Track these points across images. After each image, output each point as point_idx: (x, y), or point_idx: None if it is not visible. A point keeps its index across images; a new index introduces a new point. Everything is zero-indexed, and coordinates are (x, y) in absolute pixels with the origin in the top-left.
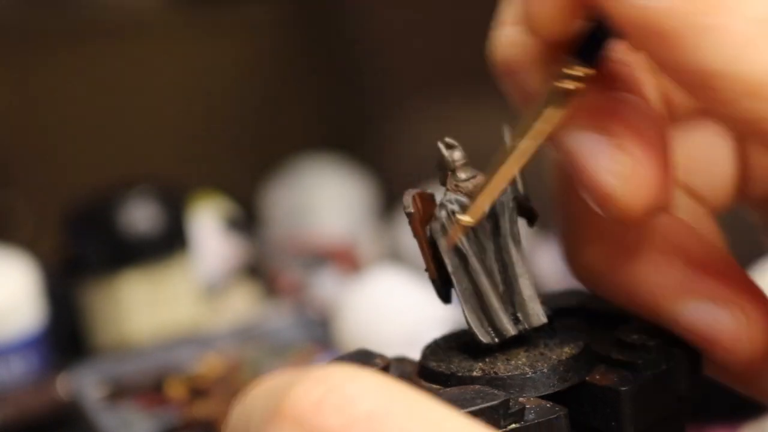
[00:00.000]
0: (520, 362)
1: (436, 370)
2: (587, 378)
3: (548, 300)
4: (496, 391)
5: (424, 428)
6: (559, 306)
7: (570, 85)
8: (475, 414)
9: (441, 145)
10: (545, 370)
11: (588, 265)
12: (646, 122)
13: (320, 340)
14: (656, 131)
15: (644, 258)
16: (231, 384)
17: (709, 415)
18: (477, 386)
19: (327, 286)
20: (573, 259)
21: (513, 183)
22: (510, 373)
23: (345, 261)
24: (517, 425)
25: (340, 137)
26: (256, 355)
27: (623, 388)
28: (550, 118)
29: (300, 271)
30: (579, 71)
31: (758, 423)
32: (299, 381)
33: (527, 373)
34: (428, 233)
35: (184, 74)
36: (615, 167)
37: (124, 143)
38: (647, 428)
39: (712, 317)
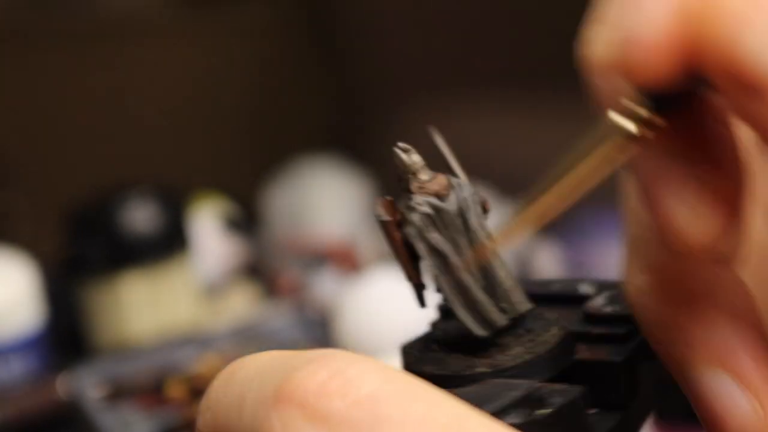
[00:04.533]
0: (516, 351)
1: (438, 374)
2: (576, 356)
3: None
4: (516, 381)
5: (423, 408)
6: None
7: (632, 127)
8: (510, 407)
9: (398, 151)
10: (544, 354)
11: (639, 290)
12: (730, 162)
13: (320, 340)
14: (739, 174)
15: (695, 306)
16: None
17: None
18: (494, 380)
19: (327, 286)
20: (628, 278)
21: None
22: (514, 363)
23: (345, 261)
24: (548, 410)
25: (340, 137)
26: None
27: (618, 359)
28: (602, 158)
29: (300, 271)
30: (647, 114)
31: None
32: (301, 364)
33: (529, 360)
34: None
35: (184, 74)
36: (685, 195)
37: (124, 143)
38: (645, 396)
39: (732, 398)
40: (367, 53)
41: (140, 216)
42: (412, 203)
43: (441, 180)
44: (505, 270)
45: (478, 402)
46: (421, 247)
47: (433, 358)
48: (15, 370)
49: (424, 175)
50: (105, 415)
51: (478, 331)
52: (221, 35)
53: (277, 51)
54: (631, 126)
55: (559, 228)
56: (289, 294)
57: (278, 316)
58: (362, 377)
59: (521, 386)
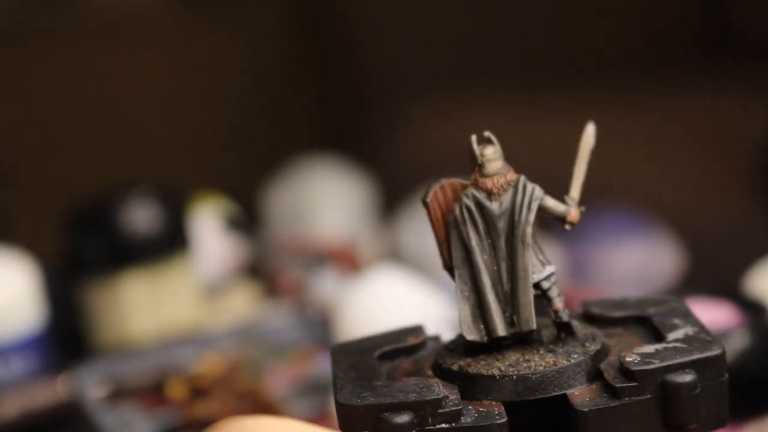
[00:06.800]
0: (505, 363)
1: (447, 368)
2: (567, 391)
3: (611, 304)
4: (439, 389)
5: None
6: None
7: None
8: (401, 407)
9: (474, 139)
10: (512, 377)
11: None
12: None
13: (320, 340)
14: None
15: None
16: (231, 384)
17: None
18: (425, 380)
19: (327, 286)
20: None
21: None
22: (487, 373)
23: (345, 261)
24: (447, 426)
25: (340, 137)
26: (256, 355)
27: (586, 410)
28: None
29: (300, 271)
30: None
31: (759, 423)
32: None
33: (490, 377)
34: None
35: (184, 75)
36: None
37: (125, 143)
38: None
39: None
40: (368, 54)
41: (140, 216)
42: (462, 194)
43: (499, 179)
44: (528, 284)
45: (383, 395)
46: (453, 235)
47: (459, 353)
48: (15, 370)
49: (488, 170)
50: (105, 415)
51: (470, 334)
52: (221, 35)
53: (278, 51)
54: None
55: (558, 228)
56: (289, 294)
57: (278, 316)
58: None
59: (431, 394)
